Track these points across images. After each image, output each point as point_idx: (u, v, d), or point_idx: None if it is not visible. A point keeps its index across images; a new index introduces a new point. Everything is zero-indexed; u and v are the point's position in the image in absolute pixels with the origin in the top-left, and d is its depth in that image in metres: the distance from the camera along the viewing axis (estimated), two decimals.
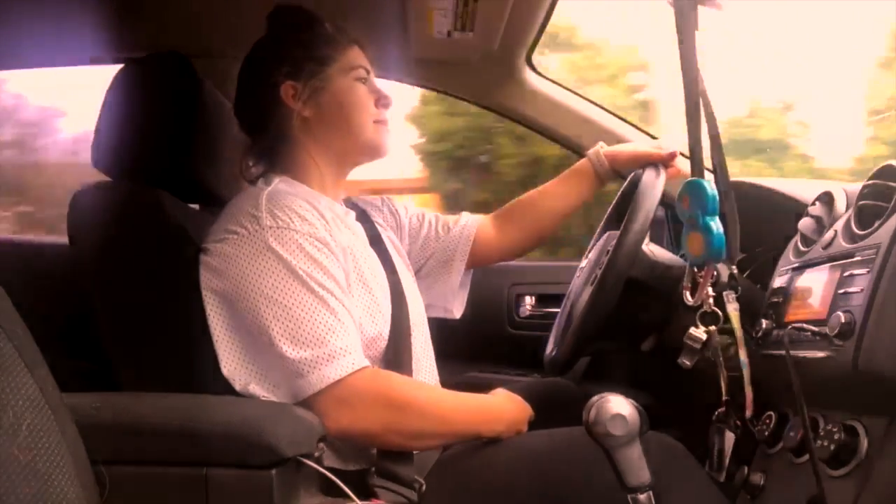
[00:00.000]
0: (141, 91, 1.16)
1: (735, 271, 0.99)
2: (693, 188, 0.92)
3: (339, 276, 1.00)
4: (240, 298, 0.97)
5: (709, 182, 0.92)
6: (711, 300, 0.95)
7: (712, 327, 0.96)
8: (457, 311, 1.35)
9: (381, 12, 1.42)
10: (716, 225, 0.89)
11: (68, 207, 1.11)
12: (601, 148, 1.33)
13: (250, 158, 1.16)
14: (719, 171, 1.01)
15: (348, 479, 0.86)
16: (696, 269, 0.98)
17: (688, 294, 0.99)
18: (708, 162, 1.01)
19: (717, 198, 0.90)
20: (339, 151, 1.15)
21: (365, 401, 0.95)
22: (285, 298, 0.95)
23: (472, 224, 1.35)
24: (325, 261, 0.99)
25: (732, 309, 0.95)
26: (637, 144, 1.34)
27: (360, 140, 1.14)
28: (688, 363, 0.98)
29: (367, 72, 1.16)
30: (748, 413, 0.98)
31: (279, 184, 1.07)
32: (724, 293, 0.96)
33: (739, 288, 0.98)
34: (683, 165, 1.32)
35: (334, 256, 1.01)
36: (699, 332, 0.96)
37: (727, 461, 1.03)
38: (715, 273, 0.96)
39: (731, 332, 1.03)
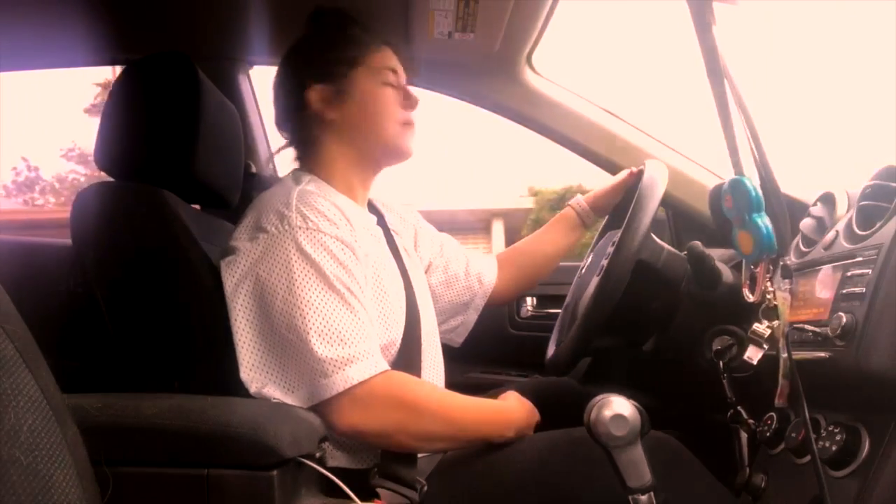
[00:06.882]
0: (143, 92, 1.16)
1: (789, 262, 0.97)
2: (735, 187, 0.90)
3: (362, 281, 1.01)
4: (269, 296, 0.96)
5: (749, 179, 0.90)
6: (771, 294, 0.94)
7: (776, 322, 0.94)
8: (460, 340, 1.40)
9: (381, 13, 1.42)
10: (762, 221, 0.88)
11: (71, 208, 1.11)
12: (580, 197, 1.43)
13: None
14: (760, 164, 1.00)
15: (350, 480, 0.86)
16: (752, 267, 0.97)
17: (747, 292, 0.98)
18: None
19: (760, 193, 0.88)
20: (365, 154, 1.15)
21: (381, 402, 0.96)
22: (315, 297, 0.95)
23: (493, 270, 1.41)
24: (351, 264, 1.00)
25: (782, 298, 0.93)
26: (615, 179, 1.41)
27: (385, 143, 1.14)
28: (753, 360, 0.96)
29: (395, 73, 1.16)
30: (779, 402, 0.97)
31: (309, 183, 1.08)
32: (780, 281, 0.94)
33: (792, 279, 0.97)
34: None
35: (358, 261, 1.01)
36: (763, 327, 0.95)
37: (746, 461, 1.02)
38: (770, 267, 0.94)
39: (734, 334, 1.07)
